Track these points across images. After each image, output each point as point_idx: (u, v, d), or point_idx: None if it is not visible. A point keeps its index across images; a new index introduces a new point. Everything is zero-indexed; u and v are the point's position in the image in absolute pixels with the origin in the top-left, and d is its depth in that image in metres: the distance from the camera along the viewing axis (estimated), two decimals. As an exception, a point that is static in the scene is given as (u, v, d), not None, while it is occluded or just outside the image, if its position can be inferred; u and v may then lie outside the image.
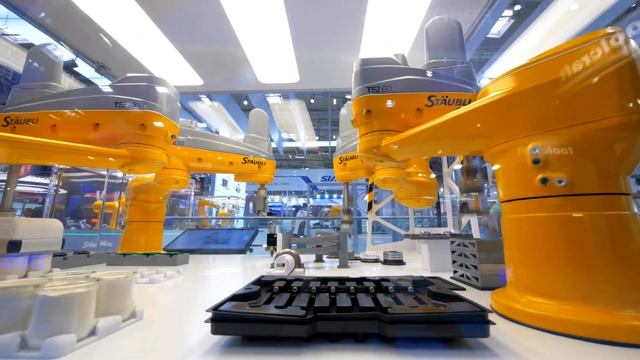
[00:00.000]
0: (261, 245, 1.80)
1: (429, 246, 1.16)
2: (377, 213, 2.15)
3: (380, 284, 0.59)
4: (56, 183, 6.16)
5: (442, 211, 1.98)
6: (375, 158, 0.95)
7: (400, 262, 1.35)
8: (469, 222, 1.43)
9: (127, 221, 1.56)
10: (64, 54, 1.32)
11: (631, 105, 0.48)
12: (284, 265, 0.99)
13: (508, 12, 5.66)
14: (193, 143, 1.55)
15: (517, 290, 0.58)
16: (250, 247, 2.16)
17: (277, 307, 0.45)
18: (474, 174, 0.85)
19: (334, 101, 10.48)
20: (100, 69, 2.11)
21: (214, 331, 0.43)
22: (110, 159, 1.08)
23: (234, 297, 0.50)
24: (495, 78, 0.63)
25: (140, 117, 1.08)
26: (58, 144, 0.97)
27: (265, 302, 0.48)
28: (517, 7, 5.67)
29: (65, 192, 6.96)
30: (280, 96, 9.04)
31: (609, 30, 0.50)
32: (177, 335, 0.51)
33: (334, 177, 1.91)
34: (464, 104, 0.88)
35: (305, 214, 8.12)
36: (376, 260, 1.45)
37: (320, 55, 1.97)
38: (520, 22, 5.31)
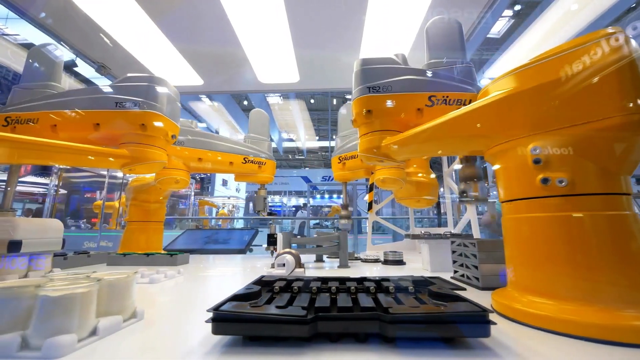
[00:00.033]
0: (261, 245, 1.80)
1: (429, 246, 1.16)
2: (377, 213, 2.15)
3: (380, 284, 0.58)
4: (56, 183, 6.16)
5: (442, 211, 1.98)
6: (376, 158, 0.95)
7: (400, 262, 1.35)
8: (469, 222, 1.43)
9: (127, 221, 1.56)
10: (64, 54, 1.32)
11: (632, 105, 0.48)
12: (284, 265, 0.99)
13: (508, 12, 5.66)
14: (193, 143, 1.55)
15: (517, 290, 0.58)
16: (251, 247, 2.15)
17: (277, 307, 0.45)
18: (473, 162, 0.85)
19: (334, 101, 10.46)
20: (101, 69, 2.11)
21: (215, 331, 0.43)
22: (111, 159, 1.08)
23: (235, 297, 0.50)
24: (496, 78, 0.63)
25: (140, 117, 1.08)
26: (58, 144, 0.97)
27: (266, 302, 0.48)
28: (517, 7, 5.66)
29: (65, 192, 6.96)
30: (280, 96, 9.03)
31: (610, 30, 0.50)
32: (178, 335, 0.51)
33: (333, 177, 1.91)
34: (464, 104, 0.88)
35: (305, 214, 8.13)
36: (376, 260, 1.45)
37: (321, 55, 1.97)
38: (520, 22, 5.31)
